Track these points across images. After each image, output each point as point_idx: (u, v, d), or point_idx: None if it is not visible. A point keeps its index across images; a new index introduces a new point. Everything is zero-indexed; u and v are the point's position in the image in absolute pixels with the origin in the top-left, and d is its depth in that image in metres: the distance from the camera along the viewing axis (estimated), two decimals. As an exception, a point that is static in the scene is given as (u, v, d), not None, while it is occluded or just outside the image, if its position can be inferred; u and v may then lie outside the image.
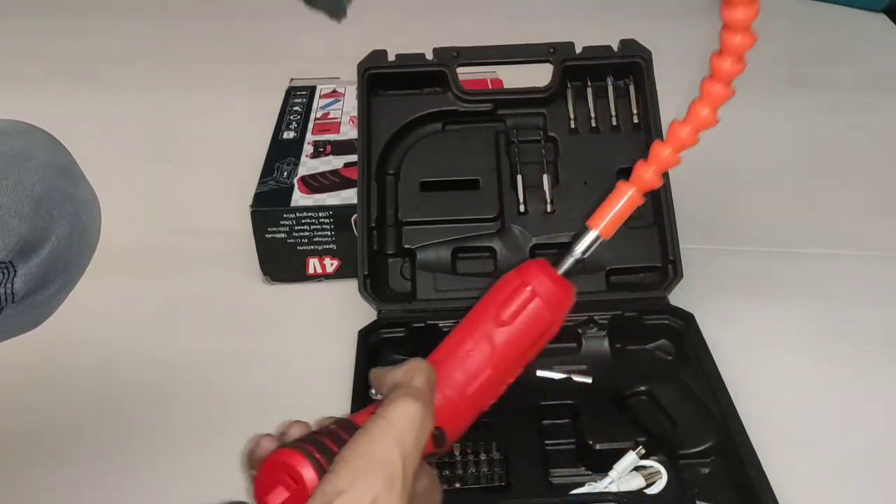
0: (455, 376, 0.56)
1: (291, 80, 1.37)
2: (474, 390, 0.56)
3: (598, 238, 0.57)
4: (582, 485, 0.74)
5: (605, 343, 0.88)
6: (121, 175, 1.13)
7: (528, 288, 0.56)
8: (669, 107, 0.94)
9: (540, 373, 0.86)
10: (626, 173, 0.95)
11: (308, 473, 0.51)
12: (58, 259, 0.70)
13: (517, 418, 0.79)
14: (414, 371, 0.57)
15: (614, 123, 0.98)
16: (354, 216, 0.98)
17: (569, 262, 0.57)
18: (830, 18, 1.64)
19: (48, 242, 0.68)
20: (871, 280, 1.01)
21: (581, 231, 0.58)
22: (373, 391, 0.58)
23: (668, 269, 0.92)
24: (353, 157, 1.07)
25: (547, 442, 0.78)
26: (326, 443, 0.52)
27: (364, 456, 0.52)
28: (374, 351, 0.88)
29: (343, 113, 1.26)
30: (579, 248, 0.57)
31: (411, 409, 0.54)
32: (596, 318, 0.88)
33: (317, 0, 0.59)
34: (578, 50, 0.97)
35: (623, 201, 0.57)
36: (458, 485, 0.74)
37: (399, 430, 0.53)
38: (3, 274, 0.66)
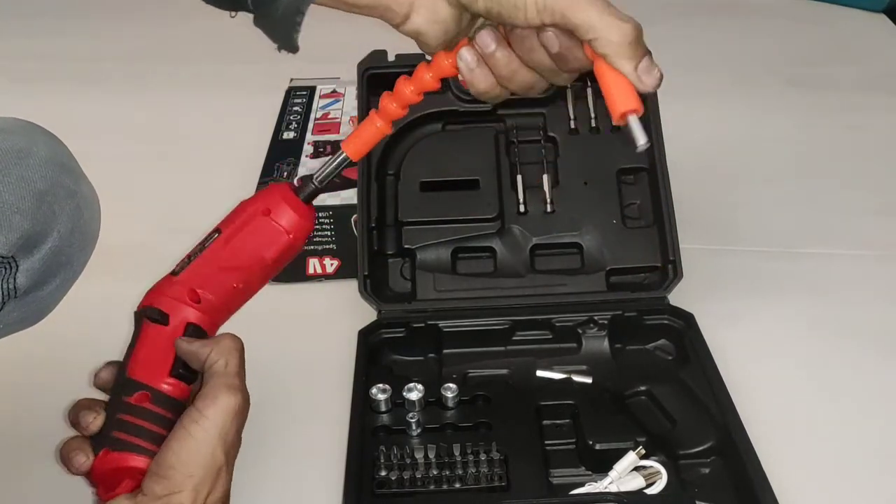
0: (213, 283, 0.62)
1: (291, 80, 1.37)
2: (232, 298, 0.64)
3: (346, 160, 0.63)
4: (582, 485, 0.74)
5: (605, 343, 0.88)
6: (121, 175, 1.12)
7: (270, 215, 0.62)
8: (669, 106, 0.94)
9: (540, 373, 0.86)
10: (626, 173, 0.97)
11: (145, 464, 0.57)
12: (59, 255, 0.70)
13: (517, 418, 0.79)
14: (227, 354, 0.60)
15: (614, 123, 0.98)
16: (354, 216, 0.98)
17: (310, 188, 0.64)
18: (830, 18, 1.64)
19: (50, 238, 0.69)
20: (870, 280, 1.01)
21: (335, 153, 0.64)
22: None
23: (668, 269, 0.92)
24: (353, 157, 1.07)
25: (547, 442, 0.78)
26: (153, 429, 0.58)
27: (190, 462, 0.56)
28: (374, 351, 0.88)
29: (343, 113, 1.26)
30: (322, 174, 0.63)
31: (232, 403, 0.57)
32: (596, 318, 0.89)
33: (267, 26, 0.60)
34: (578, 50, 0.97)
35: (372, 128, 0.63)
36: (458, 485, 0.74)
37: (222, 428, 0.57)
38: (6, 269, 0.66)
